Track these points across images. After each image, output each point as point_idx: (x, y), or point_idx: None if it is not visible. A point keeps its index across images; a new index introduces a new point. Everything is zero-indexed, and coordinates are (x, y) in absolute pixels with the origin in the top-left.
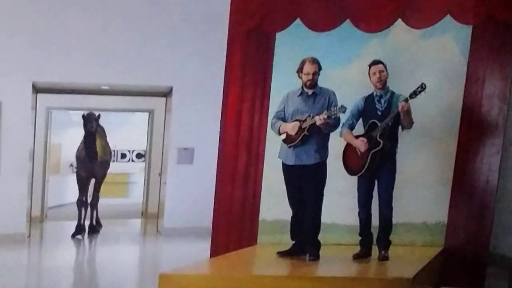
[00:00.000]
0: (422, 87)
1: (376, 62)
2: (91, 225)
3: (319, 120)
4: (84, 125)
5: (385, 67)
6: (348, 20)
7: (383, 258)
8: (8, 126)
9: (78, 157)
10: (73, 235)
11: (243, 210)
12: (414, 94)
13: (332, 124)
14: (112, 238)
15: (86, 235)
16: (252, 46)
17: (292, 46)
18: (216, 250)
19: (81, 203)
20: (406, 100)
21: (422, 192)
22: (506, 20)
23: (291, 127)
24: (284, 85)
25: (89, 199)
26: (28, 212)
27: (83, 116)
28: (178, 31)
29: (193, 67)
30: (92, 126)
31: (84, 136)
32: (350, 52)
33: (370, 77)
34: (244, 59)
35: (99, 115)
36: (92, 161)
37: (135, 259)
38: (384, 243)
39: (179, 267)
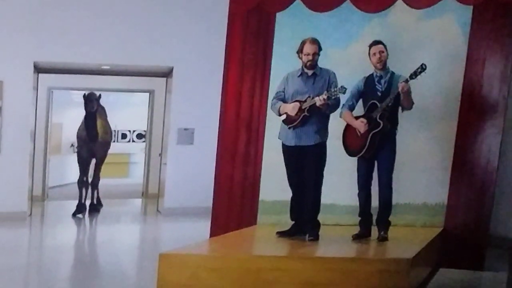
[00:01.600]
0: (423, 68)
1: (376, 43)
2: (91, 205)
3: (319, 100)
4: (85, 105)
5: (385, 47)
6: (348, 1)
7: (383, 238)
8: (10, 106)
9: (79, 137)
10: (74, 214)
11: (243, 190)
12: (414, 75)
13: (332, 104)
14: (112, 218)
15: (86, 214)
16: (252, 26)
17: (293, 26)
18: (216, 230)
19: (82, 183)
20: (406, 81)
21: (422, 173)
22: (507, 1)
23: (291, 108)
24: (284, 65)
25: (90, 179)
26: (29, 191)
27: (84, 96)
28: (179, 11)
29: (193, 47)
30: (93, 106)
31: (85, 116)
32: (350, 33)
33: (370, 58)
34: (244, 40)
35: (100, 95)
36: (93, 141)
37: (136, 238)
38: (384, 223)
39: (179, 247)
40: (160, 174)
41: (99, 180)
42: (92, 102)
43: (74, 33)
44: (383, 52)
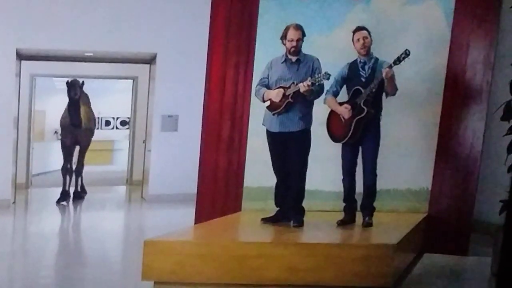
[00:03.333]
0: (406, 53)
1: (360, 28)
2: (75, 192)
3: (303, 87)
4: (68, 92)
5: (369, 33)
6: None
7: (367, 224)
8: None
9: (62, 125)
10: (58, 201)
11: (228, 177)
12: (398, 61)
13: (316, 91)
14: (97, 205)
15: (71, 201)
16: (235, 12)
17: (276, 12)
18: (200, 217)
19: (65, 170)
20: (390, 67)
21: (406, 158)
22: None
23: (275, 94)
24: (268, 51)
25: (74, 166)
26: (13, 179)
27: (67, 83)
28: None
29: (177, 33)
30: (76, 93)
31: (68, 104)
32: (334, 18)
33: (354, 44)
34: (228, 26)
35: (83, 82)
36: (77, 128)
37: (120, 225)
38: (368, 209)
39: (164, 234)
40: (144, 161)
41: (83, 167)
42: (75, 89)
43: (57, 20)
44: (366, 38)
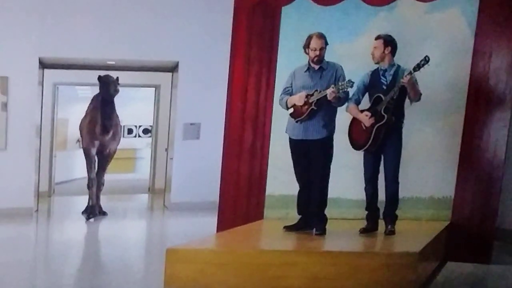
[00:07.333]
0: (426, 60)
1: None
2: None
3: (331, 93)
4: (101, 89)
5: None
6: None
7: (390, 232)
8: (15, 102)
9: (81, 129)
10: (88, 219)
11: (250, 185)
12: (417, 67)
13: (342, 98)
14: (119, 213)
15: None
16: (258, 20)
17: (298, 20)
18: (223, 225)
19: (90, 181)
20: (410, 73)
21: (428, 166)
22: None
23: (298, 98)
24: (290, 59)
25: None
26: (35, 187)
27: (99, 78)
28: (185, 6)
29: (199, 42)
30: (108, 90)
31: (101, 102)
32: (356, 26)
33: None
34: (250, 34)
35: (117, 78)
36: (104, 134)
37: (142, 233)
38: (391, 217)
39: (186, 242)
40: (166, 169)
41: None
42: (108, 85)
43: (80, 29)
44: None
